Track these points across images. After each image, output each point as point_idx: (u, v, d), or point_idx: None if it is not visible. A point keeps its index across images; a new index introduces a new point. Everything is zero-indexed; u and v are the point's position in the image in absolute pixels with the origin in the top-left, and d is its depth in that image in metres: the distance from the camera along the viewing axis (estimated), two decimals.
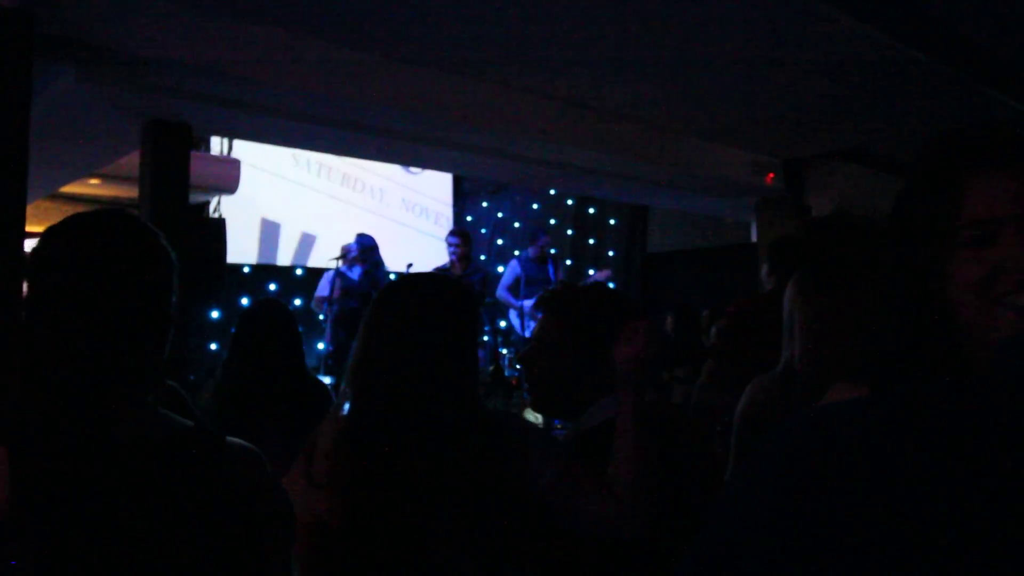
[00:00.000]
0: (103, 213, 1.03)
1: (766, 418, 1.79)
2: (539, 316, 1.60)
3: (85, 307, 0.95)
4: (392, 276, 6.23)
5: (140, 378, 1.01)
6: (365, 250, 6.18)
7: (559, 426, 3.25)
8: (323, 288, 6.39)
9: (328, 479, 1.27)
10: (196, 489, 0.97)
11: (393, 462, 1.24)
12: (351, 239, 6.37)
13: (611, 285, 6.30)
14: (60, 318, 0.96)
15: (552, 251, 7.26)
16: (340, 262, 6.36)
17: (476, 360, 1.42)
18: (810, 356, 1.68)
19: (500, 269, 9.12)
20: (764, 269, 3.15)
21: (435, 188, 9.24)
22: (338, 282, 6.15)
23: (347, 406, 1.32)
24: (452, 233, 6.50)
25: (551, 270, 6.89)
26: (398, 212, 8.88)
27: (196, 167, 4.60)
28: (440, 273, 4.93)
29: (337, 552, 1.24)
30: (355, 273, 6.15)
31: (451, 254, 6.32)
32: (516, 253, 8.27)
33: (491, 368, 6.07)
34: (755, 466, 0.62)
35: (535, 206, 9.21)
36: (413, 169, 8.59)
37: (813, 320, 1.67)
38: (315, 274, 7.72)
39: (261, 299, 2.96)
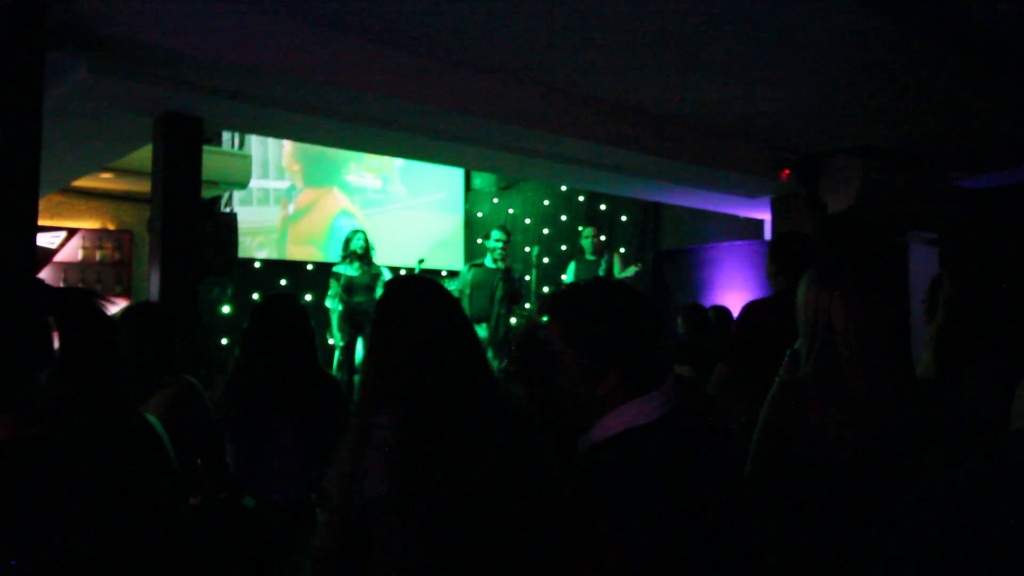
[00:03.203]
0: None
1: (804, 423, 1.70)
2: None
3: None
4: (387, 270, 6.24)
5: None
6: (367, 246, 6.17)
7: None
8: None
9: (391, 465, 1.32)
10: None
11: (460, 446, 1.34)
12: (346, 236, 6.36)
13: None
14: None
15: (622, 251, 7.01)
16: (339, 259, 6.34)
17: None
18: (862, 359, 1.64)
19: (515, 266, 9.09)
20: (770, 268, 3.03)
21: (445, 183, 9.20)
22: (339, 279, 6.15)
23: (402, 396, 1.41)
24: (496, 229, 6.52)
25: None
26: (407, 208, 8.85)
27: (208, 161, 4.59)
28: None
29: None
30: (353, 269, 6.15)
31: (493, 249, 6.31)
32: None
33: None
34: (942, 504, 0.59)
35: (546, 202, 9.16)
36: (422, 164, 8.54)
37: (860, 323, 1.63)
38: (324, 269, 7.71)
39: (274, 294, 2.94)
